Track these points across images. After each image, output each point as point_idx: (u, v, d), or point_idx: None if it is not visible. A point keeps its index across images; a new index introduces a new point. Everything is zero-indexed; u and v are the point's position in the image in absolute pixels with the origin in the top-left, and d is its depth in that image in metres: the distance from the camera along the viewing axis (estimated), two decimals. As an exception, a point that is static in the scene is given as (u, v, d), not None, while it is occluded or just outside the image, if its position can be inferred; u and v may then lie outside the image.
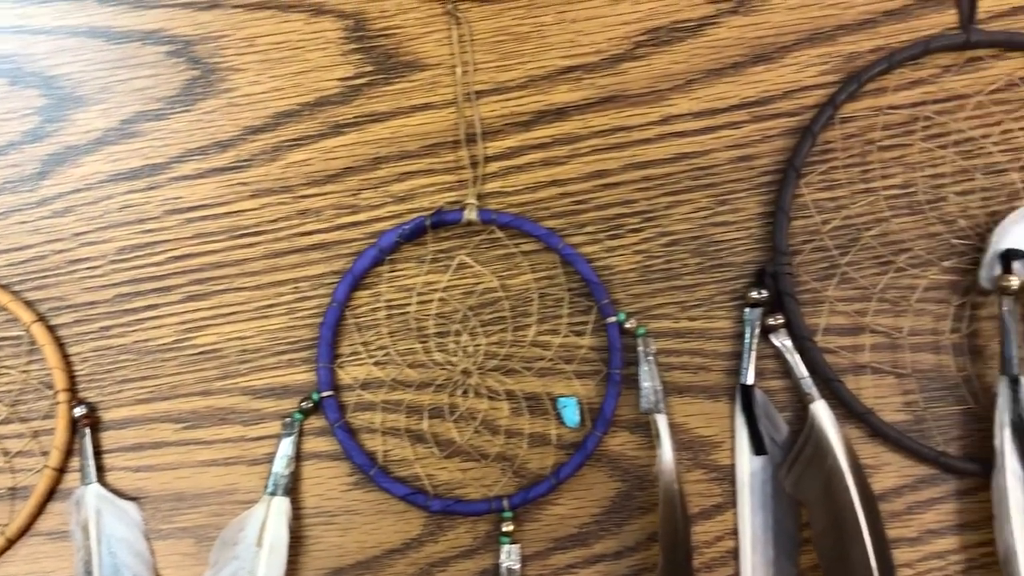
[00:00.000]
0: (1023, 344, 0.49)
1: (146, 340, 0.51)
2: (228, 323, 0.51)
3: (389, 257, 0.51)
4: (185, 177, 0.52)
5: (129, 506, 0.49)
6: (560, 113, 0.52)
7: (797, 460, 0.48)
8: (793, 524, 0.48)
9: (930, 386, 0.49)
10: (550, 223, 0.51)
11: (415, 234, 0.50)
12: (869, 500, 0.47)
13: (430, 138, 0.52)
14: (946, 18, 0.52)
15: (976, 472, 0.48)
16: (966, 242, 0.50)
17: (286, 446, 0.49)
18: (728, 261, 0.50)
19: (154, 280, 0.52)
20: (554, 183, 0.51)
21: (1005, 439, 0.46)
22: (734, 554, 0.48)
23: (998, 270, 0.48)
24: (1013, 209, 0.49)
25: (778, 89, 0.51)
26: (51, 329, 0.51)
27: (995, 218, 0.49)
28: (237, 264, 0.51)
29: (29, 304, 0.51)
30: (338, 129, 0.52)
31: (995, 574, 0.46)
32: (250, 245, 0.52)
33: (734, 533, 0.48)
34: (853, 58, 0.52)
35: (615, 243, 0.51)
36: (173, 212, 0.52)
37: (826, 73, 0.52)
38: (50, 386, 0.51)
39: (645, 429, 0.49)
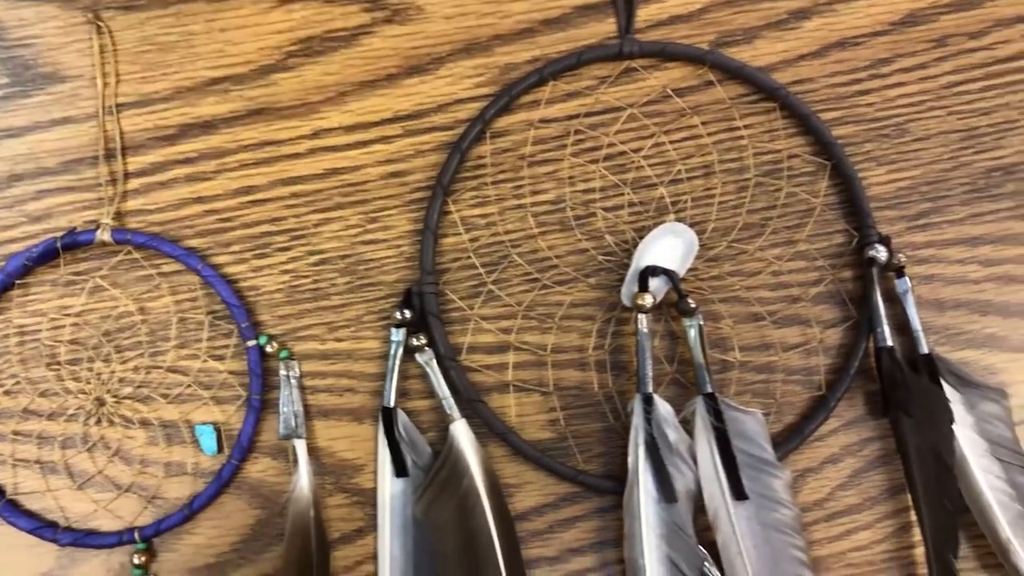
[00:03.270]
0: (663, 362, 0.49)
1: None
2: None
3: (19, 281, 0.48)
4: None
5: None
6: (207, 126, 0.50)
7: (432, 482, 0.47)
8: (433, 548, 0.48)
9: (573, 403, 0.49)
10: (194, 242, 0.49)
11: (46, 257, 0.48)
12: (505, 522, 0.47)
13: (69, 154, 0.50)
14: (607, 27, 0.51)
15: (614, 490, 0.48)
16: (611, 259, 0.49)
17: (-92, 481, 0.47)
18: (378, 280, 0.49)
19: None
20: (199, 200, 0.50)
21: (640, 457, 0.47)
22: (374, 579, 0.48)
23: (636, 288, 0.48)
24: (660, 225, 0.49)
25: (432, 102, 0.50)
26: None
27: (642, 234, 0.49)
28: None
29: None
30: (-31, 145, 0.49)
31: (630, 590, 0.46)
32: None
33: (374, 558, 0.48)
34: (509, 69, 0.51)
35: (262, 263, 0.49)
36: None
37: (481, 85, 0.50)
38: None
39: (287, 455, 0.48)
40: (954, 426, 0.48)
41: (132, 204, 0.49)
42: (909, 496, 0.47)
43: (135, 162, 0.50)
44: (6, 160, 0.50)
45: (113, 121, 0.50)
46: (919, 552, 0.48)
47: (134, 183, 0.50)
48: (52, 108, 0.50)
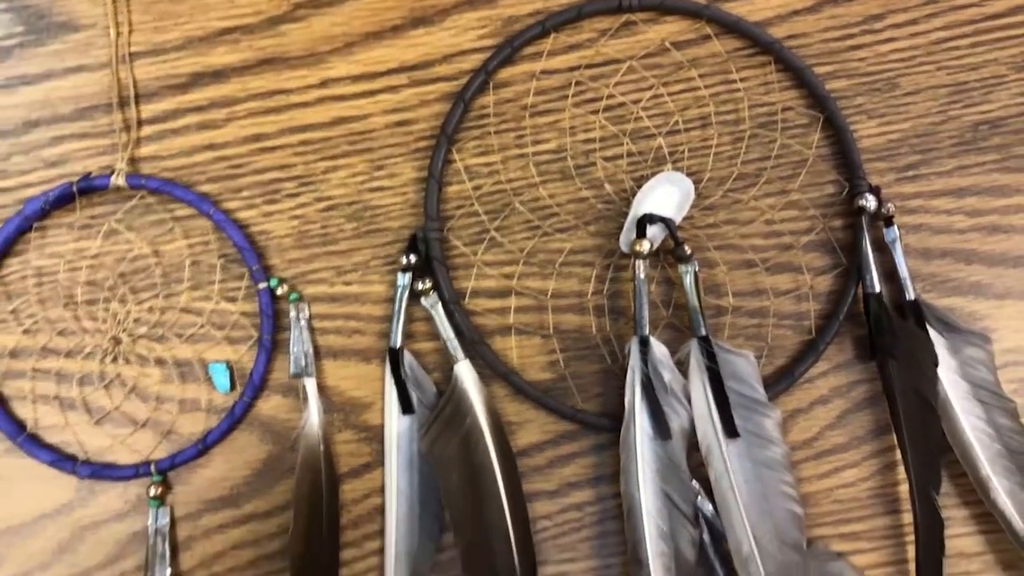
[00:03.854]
0: (659, 306, 0.51)
1: None
2: None
3: (37, 224, 0.50)
4: None
5: None
6: (217, 75, 0.51)
7: (437, 419, 0.49)
8: (438, 482, 0.50)
9: (573, 346, 0.51)
10: (206, 188, 0.51)
11: (62, 200, 0.50)
12: (507, 457, 0.49)
13: (84, 101, 0.51)
14: (608, -19, 0.52)
15: (610, 428, 0.50)
16: (611, 207, 0.51)
17: (-68, 415, 0.49)
18: (384, 226, 0.51)
19: None
20: (210, 147, 0.51)
21: (636, 397, 0.48)
22: (381, 511, 0.49)
23: (635, 235, 0.49)
24: (658, 174, 0.50)
25: (437, 53, 0.52)
26: None
27: (640, 183, 0.51)
28: None
29: None
30: (-13, 92, 0.51)
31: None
32: None
33: (382, 491, 0.50)
34: (512, 21, 0.52)
35: (272, 208, 0.51)
36: None
37: (485, 37, 0.52)
38: None
39: (297, 392, 0.50)
40: (938, 369, 0.49)
41: (145, 150, 0.51)
42: (894, 436, 0.49)
43: (148, 110, 0.51)
44: (22, 107, 0.51)
45: (126, 69, 0.51)
46: (903, 489, 0.50)
47: (147, 130, 0.51)
48: (66, 56, 0.51)
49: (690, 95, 0.52)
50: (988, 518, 0.49)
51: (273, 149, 0.51)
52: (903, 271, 0.51)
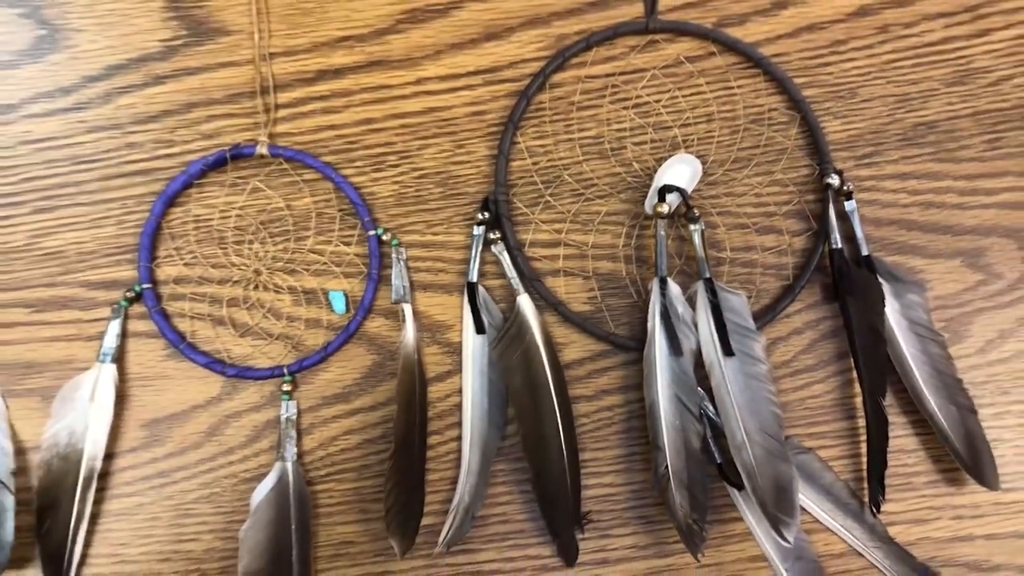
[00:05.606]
0: (674, 256, 0.66)
1: (1, 243, 0.64)
2: (69, 231, 0.64)
3: (197, 181, 0.65)
4: (34, 115, 0.65)
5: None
6: (337, 73, 0.66)
7: (504, 337, 0.64)
8: (504, 385, 0.64)
9: (607, 286, 0.66)
10: (328, 158, 0.66)
11: (218, 164, 0.64)
12: (556, 367, 0.63)
13: (232, 89, 0.66)
14: (636, 9, 0.68)
15: (636, 348, 0.64)
16: (637, 179, 0.67)
17: (114, 326, 0.63)
18: (463, 191, 0.66)
19: (7, 196, 0.65)
20: (331, 127, 0.66)
21: (656, 324, 0.63)
22: (459, 407, 0.64)
23: (656, 200, 0.65)
24: (674, 155, 0.66)
25: (505, 61, 0.67)
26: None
27: (660, 163, 0.66)
28: (76, 185, 0.65)
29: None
30: (159, 80, 0.66)
31: (646, 421, 0.63)
32: (87, 170, 0.65)
33: (459, 392, 0.64)
34: (562, 38, 0.67)
35: (378, 175, 0.66)
36: (24, 143, 0.65)
37: (542, 49, 0.67)
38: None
39: (396, 315, 0.65)
40: (885, 309, 0.65)
41: (280, 128, 0.66)
42: (851, 359, 0.64)
43: (283, 97, 0.66)
44: (185, 92, 0.66)
45: (266, 66, 0.66)
46: (858, 400, 0.64)
47: (282, 112, 0.66)
48: (219, 54, 0.66)
49: (698, 97, 0.68)
50: (922, 423, 0.64)
51: (379, 130, 0.66)
52: (859, 234, 0.65)
